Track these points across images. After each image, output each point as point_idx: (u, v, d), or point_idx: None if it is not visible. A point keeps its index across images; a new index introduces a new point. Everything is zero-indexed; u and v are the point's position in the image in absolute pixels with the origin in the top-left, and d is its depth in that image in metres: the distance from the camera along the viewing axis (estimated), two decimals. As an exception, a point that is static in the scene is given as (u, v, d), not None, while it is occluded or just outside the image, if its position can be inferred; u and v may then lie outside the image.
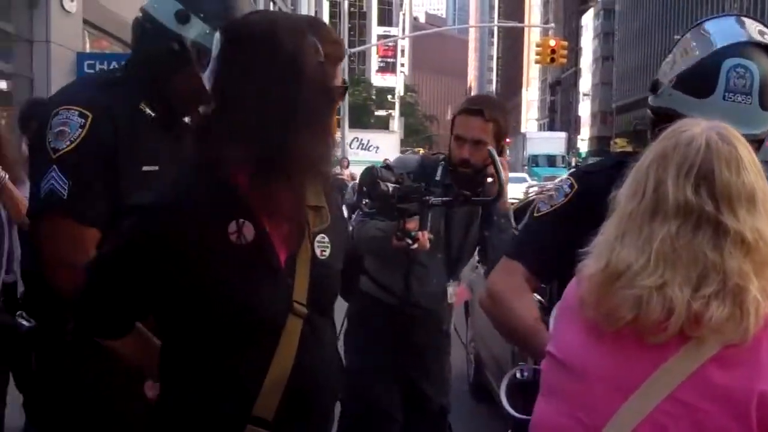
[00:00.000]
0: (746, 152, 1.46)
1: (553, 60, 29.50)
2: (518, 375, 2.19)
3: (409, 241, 2.91)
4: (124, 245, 1.77)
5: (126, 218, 1.79)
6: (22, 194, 3.90)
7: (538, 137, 60.07)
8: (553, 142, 55.08)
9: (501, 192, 3.14)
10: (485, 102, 3.46)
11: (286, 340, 1.74)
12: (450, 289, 3.47)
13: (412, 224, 2.93)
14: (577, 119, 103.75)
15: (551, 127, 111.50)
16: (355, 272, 2.24)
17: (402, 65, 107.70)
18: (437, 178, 3.32)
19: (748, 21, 2.06)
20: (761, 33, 2.01)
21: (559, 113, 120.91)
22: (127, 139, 2.21)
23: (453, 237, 3.42)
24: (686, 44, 2.06)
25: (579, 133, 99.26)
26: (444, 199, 3.10)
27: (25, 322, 2.25)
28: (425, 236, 2.96)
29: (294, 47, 1.71)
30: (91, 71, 10.03)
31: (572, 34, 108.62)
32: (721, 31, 2.03)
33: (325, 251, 1.85)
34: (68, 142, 2.14)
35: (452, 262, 3.46)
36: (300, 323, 1.76)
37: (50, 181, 2.13)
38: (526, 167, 48.02)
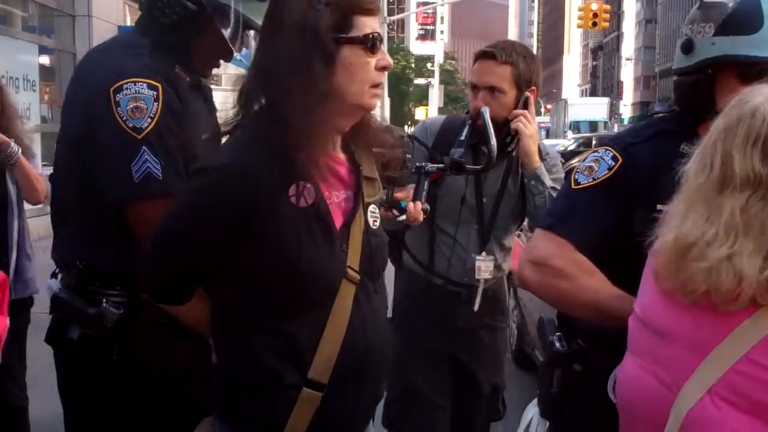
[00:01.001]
0: None
1: (595, 24, 29.01)
2: (558, 345, 2.19)
3: (396, 213, 2.61)
4: (191, 208, 1.78)
5: (192, 180, 1.80)
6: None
7: (579, 103, 59.22)
8: (595, 108, 54.26)
9: (490, 161, 2.86)
10: (500, 44, 3.01)
11: (339, 305, 1.77)
12: (480, 264, 3.10)
13: (402, 194, 2.63)
14: (620, 84, 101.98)
15: (593, 93, 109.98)
16: (396, 245, 2.24)
17: (441, 32, 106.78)
18: (462, 138, 2.94)
19: None
20: None
21: (600, 78, 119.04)
22: (184, 106, 2.15)
23: (485, 204, 3.09)
24: None
25: (621, 99, 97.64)
26: (438, 166, 2.78)
27: (114, 310, 2.12)
28: (418, 207, 2.63)
29: None
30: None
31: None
32: None
33: (376, 221, 1.90)
34: (149, 119, 2.03)
35: (486, 232, 3.11)
36: (353, 289, 1.80)
37: (144, 164, 2.02)
38: (567, 134, 47.46)
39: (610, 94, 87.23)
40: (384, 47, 1.84)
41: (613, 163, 2.06)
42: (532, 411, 2.40)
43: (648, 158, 2.03)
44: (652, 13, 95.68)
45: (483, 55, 2.99)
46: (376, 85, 1.80)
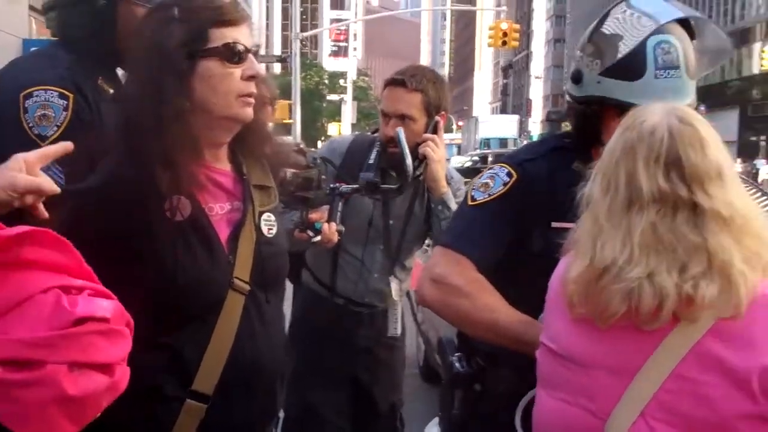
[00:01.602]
0: (706, 129, 1.52)
1: (505, 43, 29.61)
2: (458, 366, 2.18)
3: (311, 234, 2.58)
4: (68, 230, 1.73)
5: (63, 203, 1.75)
6: None
7: (490, 120, 60.18)
8: (506, 125, 55.21)
9: (404, 183, 2.89)
10: (409, 71, 3.02)
11: (226, 316, 1.76)
12: (393, 285, 3.14)
13: (317, 215, 2.59)
14: (529, 102, 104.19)
15: (503, 111, 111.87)
16: (296, 263, 2.21)
17: (354, 49, 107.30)
18: (370, 161, 2.98)
19: None
20: (682, 8, 2.04)
21: (511, 96, 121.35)
22: (104, 119, 2.05)
23: (392, 226, 3.10)
24: (611, 25, 2.03)
25: (531, 116, 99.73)
26: (353, 186, 2.80)
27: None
28: (332, 228, 2.62)
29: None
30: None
31: (524, 17, 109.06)
32: (647, 8, 2.02)
33: (272, 229, 1.88)
34: (55, 128, 1.95)
35: (393, 254, 3.13)
36: (242, 300, 1.78)
37: (47, 172, 1.93)
38: (478, 150, 48.17)
39: (519, 112, 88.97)
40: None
41: (509, 179, 2.08)
42: (434, 430, 2.39)
43: (543, 174, 2.06)
44: (561, 32, 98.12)
45: (393, 83, 2.99)
46: (246, 95, 1.79)
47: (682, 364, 1.43)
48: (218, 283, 1.77)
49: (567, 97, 2.18)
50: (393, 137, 2.92)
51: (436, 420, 2.38)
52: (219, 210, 1.82)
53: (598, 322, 1.48)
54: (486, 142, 50.27)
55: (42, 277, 1.29)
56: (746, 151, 46.60)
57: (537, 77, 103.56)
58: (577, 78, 2.08)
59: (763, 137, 49.99)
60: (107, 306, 1.36)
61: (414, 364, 6.51)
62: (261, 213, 1.87)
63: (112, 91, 2.13)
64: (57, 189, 1.53)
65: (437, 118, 2.98)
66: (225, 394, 1.76)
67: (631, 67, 1.98)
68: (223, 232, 1.81)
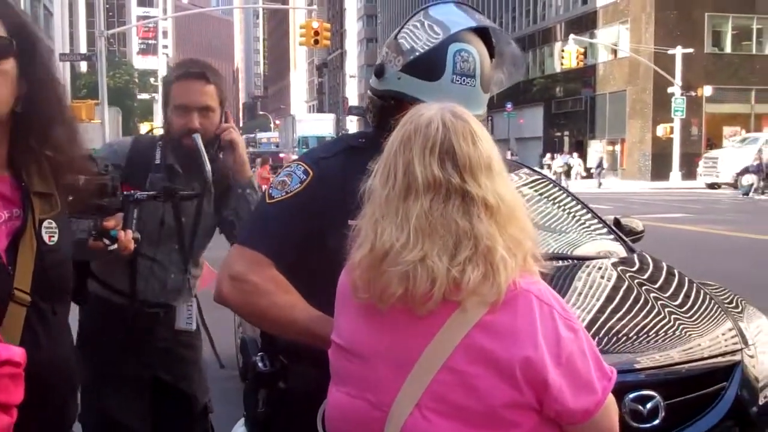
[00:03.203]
0: (478, 125, 1.60)
1: (317, 42, 29.72)
2: (260, 365, 2.16)
3: (107, 242, 2.47)
4: None
5: None
6: None
7: (307, 119, 60.63)
8: (322, 124, 55.82)
9: (204, 189, 2.93)
10: (203, 64, 3.10)
11: (7, 330, 1.66)
12: (192, 281, 3.17)
13: (111, 222, 2.49)
14: (345, 100, 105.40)
15: (320, 109, 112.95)
16: (81, 276, 2.13)
17: (165, 47, 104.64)
18: (157, 161, 2.98)
19: (467, 7, 2.16)
20: (480, 19, 2.11)
21: (327, 95, 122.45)
22: None
23: (185, 225, 3.09)
24: (412, 29, 2.10)
25: (347, 114, 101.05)
26: (150, 193, 2.78)
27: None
28: (128, 235, 2.54)
29: None
30: None
31: (337, 16, 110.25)
32: (446, 16, 2.10)
33: (53, 236, 1.80)
34: None
35: (187, 251, 3.12)
36: (23, 311, 1.70)
37: None
38: (296, 149, 48.28)
39: (336, 110, 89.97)
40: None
41: (305, 177, 2.08)
42: (240, 430, 2.35)
43: (338, 172, 2.07)
44: (373, 32, 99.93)
45: (192, 76, 2.99)
46: None
47: (453, 356, 1.48)
48: None
49: (369, 92, 2.21)
50: (194, 129, 2.92)
51: (242, 421, 2.35)
52: None
53: (379, 303, 1.53)
54: (304, 141, 50.53)
55: None
56: (552, 146, 49.31)
57: (352, 76, 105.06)
58: (379, 72, 2.12)
59: (567, 132, 53.02)
60: (19, 351, 1.43)
61: (234, 365, 6.43)
62: (42, 221, 1.78)
63: None
64: None
65: (225, 109, 3.08)
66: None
67: (431, 68, 2.03)
68: (1, 242, 1.71)
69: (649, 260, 4.42)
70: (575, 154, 43.66)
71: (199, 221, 3.10)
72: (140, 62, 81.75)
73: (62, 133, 1.82)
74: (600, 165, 40.46)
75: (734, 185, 34.28)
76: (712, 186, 36.23)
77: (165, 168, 2.97)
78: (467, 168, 1.52)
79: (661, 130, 41.82)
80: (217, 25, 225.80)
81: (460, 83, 2.03)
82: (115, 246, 2.50)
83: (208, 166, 2.86)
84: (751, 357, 3.35)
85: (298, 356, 2.07)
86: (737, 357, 3.29)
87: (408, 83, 2.05)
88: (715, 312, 3.69)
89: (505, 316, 1.50)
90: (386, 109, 2.11)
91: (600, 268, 4.13)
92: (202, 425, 3.27)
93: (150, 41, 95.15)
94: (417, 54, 2.04)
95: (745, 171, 33.11)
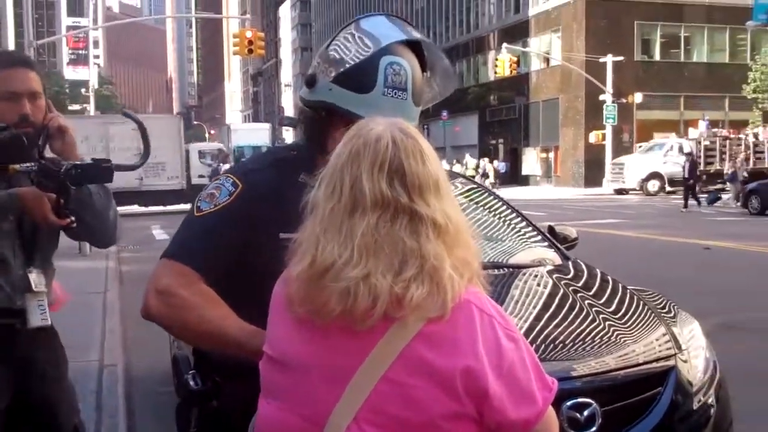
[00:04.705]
0: (425, 144, 1.58)
1: (251, 51, 29.54)
2: (192, 384, 2.11)
3: None
4: None
5: None
6: None
7: (242, 129, 60.18)
8: (258, 134, 55.35)
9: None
10: (21, 53, 3.11)
11: None
12: (32, 277, 2.83)
13: None
14: (281, 110, 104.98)
15: (255, 119, 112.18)
16: None
17: (96, 57, 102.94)
18: None
19: (398, 20, 2.15)
20: (411, 32, 2.10)
21: (262, 104, 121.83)
22: None
23: (24, 219, 2.82)
24: (343, 41, 2.08)
25: (281, 125, 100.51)
26: None
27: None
28: None
29: None
30: None
31: (271, 25, 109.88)
32: (377, 29, 2.09)
33: None
34: None
35: (29, 247, 2.86)
36: None
37: None
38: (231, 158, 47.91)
39: (272, 120, 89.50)
40: None
41: (234, 189, 2.05)
42: None
43: (268, 185, 2.06)
44: (307, 41, 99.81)
45: (18, 63, 2.91)
46: None
47: (392, 368, 1.47)
48: None
49: (299, 102, 2.18)
50: (27, 115, 2.78)
51: None
52: None
53: (317, 318, 1.50)
54: (240, 150, 50.17)
55: None
56: (487, 154, 49.85)
57: (287, 85, 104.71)
58: (311, 82, 2.10)
59: (501, 140, 53.67)
60: None
61: (169, 381, 6.30)
62: None
63: None
64: None
65: (47, 98, 2.98)
66: None
67: (363, 80, 2.02)
68: None
69: (584, 267, 4.46)
70: (496, 161, 44.74)
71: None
72: (71, 73, 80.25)
73: None
74: (485, 174, 41.50)
75: (640, 191, 35.40)
76: (619, 192, 37.08)
77: None
78: (416, 187, 1.51)
79: (594, 137, 42.66)
80: (149, 34, 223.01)
81: (392, 96, 2.02)
82: None
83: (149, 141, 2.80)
84: (685, 362, 3.40)
85: (230, 374, 2.02)
86: (671, 362, 3.33)
87: (339, 95, 2.03)
88: (649, 318, 3.73)
89: (446, 326, 1.48)
90: (318, 120, 2.09)
91: (536, 276, 4.15)
92: None
93: (81, 51, 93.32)
94: (348, 66, 2.03)
95: (651, 177, 33.95)
